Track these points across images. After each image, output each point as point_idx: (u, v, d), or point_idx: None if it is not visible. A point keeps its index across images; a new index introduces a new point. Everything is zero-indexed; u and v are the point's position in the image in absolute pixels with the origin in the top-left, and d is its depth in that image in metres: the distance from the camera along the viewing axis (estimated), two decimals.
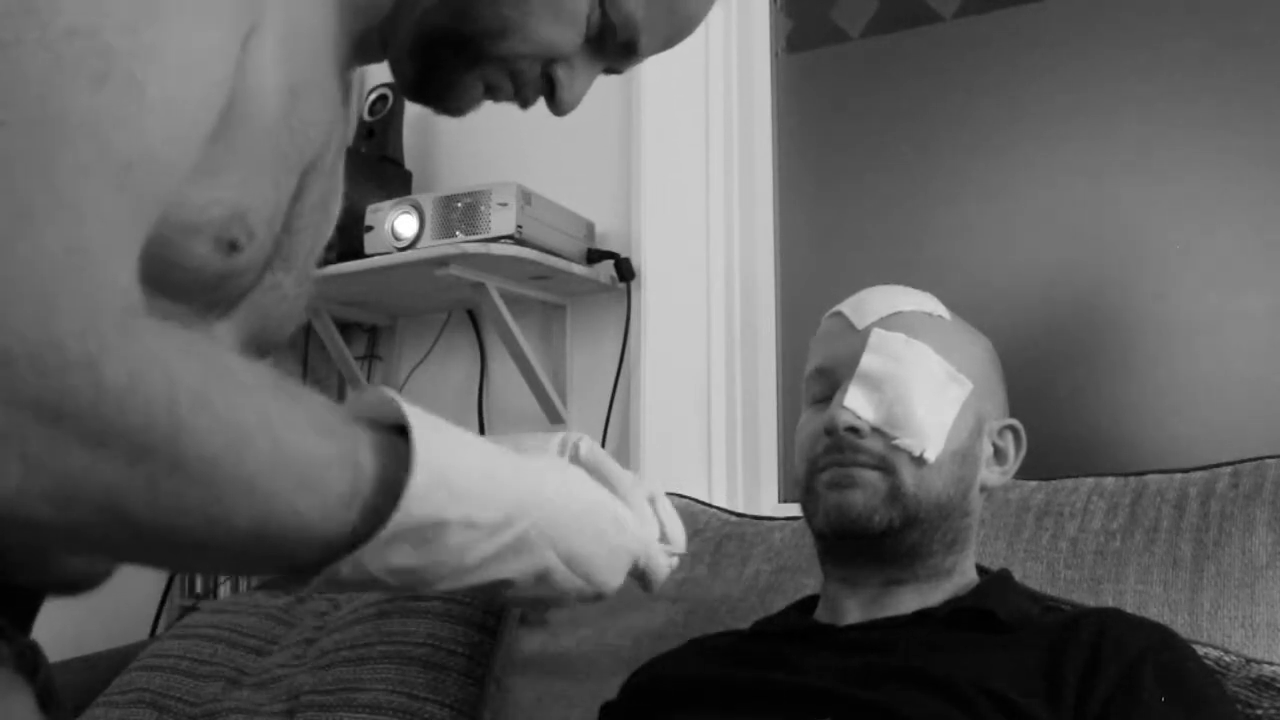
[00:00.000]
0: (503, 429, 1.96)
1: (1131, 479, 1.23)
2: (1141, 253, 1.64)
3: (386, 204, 1.77)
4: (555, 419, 1.85)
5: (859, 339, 1.02)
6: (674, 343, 1.82)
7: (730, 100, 1.89)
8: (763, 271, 1.89)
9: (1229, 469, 1.18)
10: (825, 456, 1.01)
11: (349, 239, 1.76)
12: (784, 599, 1.21)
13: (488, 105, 0.80)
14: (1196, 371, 1.58)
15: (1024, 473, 1.10)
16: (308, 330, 2.01)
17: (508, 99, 0.78)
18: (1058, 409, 1.62)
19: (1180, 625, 1.05)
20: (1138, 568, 1.13)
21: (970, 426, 1.02)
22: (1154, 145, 1.65)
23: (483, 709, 1.40)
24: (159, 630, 2.05)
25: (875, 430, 0.99)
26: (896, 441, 0.98)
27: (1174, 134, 1.64)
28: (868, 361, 1.00)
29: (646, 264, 1.84)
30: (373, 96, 1.99)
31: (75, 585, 0.70)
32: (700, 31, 0.84)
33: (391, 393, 0.58)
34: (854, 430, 0.99)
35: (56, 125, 0.48)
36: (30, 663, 0.70)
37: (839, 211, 1.87)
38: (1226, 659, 1.00)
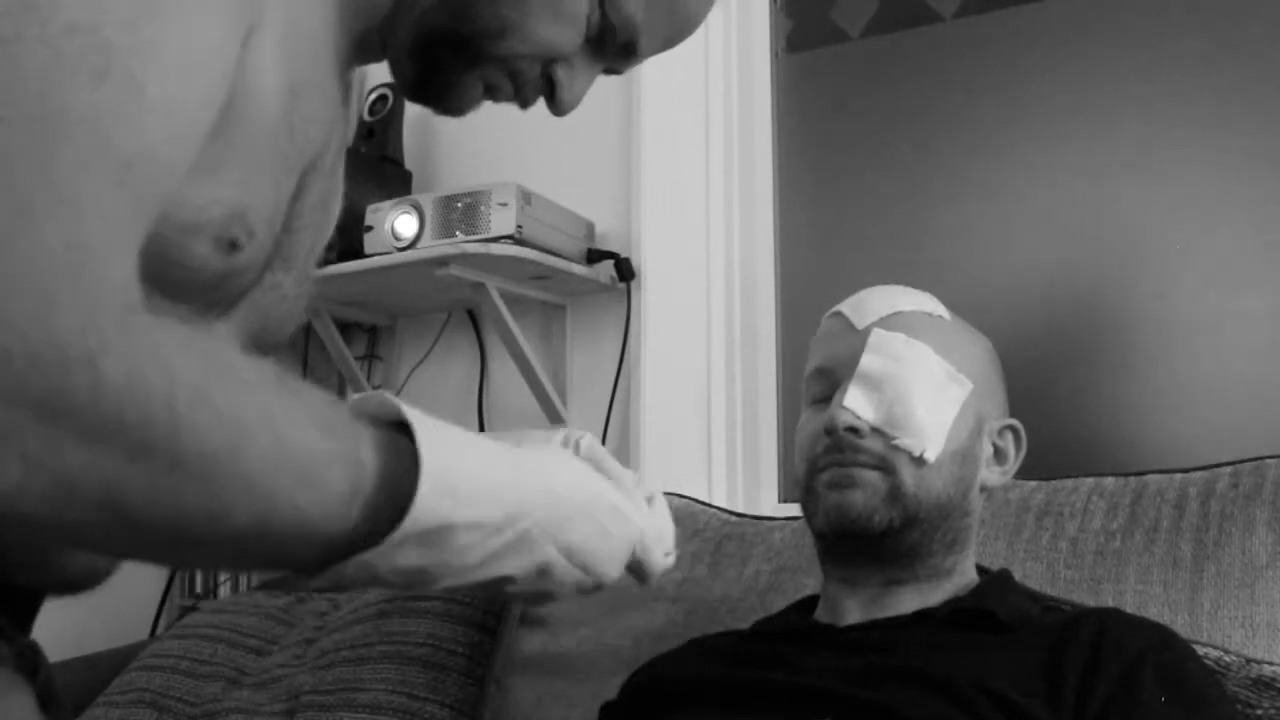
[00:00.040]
0: (503, 429, 1.96)
1: (1131, 479, 1.23)
2: (1141, 253, 1.64)
3: (386, 204, 1.77)
4: (555, 419, 1.85)
5: (859, 339, 1.02)
6: (674, 343, 1.82)
7: (730, 100, 1.89)
8: (763, 271, 1.89)
9: (1229, 469, 1.18)
10: (825, 456, 1.01)
11: (349, 239, 1.76)
12: (784, 599, 1.21)
13: (487, 105, 0.80)
14: (1196, 371, 1.58)
15: (1024, 473, 1.10)
16: (308, 330, 2.01)
17: (507, 99, 0.78)
18: (1058, 409, 1.62)
19: (1180, 625, 1.05)
20: (1138, 568, 1.13)
21: (970, 426, 1.02)
22: (1154, 145, 1.65)
23: (483, 709, 1.40)
24: (159, 630, 2.05)
25: (875, 430, 0.99)
26: (896, 441, 0.98)
27: (1174, 134, 1.64)
28: (867, 361, 1.00)
29: (646, 264, 1.84)
30: (373, 96, 1.99)
31: (75, 584, 0.70)
32: (700, 31, 0.84)
33: (391, 396, 0.58)
34: (854, 430, 0.99)
35: (56, 122, 0.48)
36: (30, 663, 0.70)
37: (839, 211, 1.87)
38: (1226, 659, 1.00)
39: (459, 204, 1.72)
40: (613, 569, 0.67)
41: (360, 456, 0.53)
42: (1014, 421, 1.08)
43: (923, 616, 0.98)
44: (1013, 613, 0.96)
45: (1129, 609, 1.02)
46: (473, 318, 2.03)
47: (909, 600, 1.01)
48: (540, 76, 0.77)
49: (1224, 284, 1.58)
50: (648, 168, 1.87)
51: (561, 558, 0.63)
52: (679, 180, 1.85)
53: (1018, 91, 1.75)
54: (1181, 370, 1.59)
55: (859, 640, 0.98)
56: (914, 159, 1.81)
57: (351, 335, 2.10)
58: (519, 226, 1.69)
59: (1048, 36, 1.74)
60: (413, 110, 1.98)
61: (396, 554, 0.55)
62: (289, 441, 0.51)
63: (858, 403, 0.99)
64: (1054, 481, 1.27)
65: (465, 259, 1.69)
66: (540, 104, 0.79)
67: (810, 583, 1.24)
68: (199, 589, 2.13)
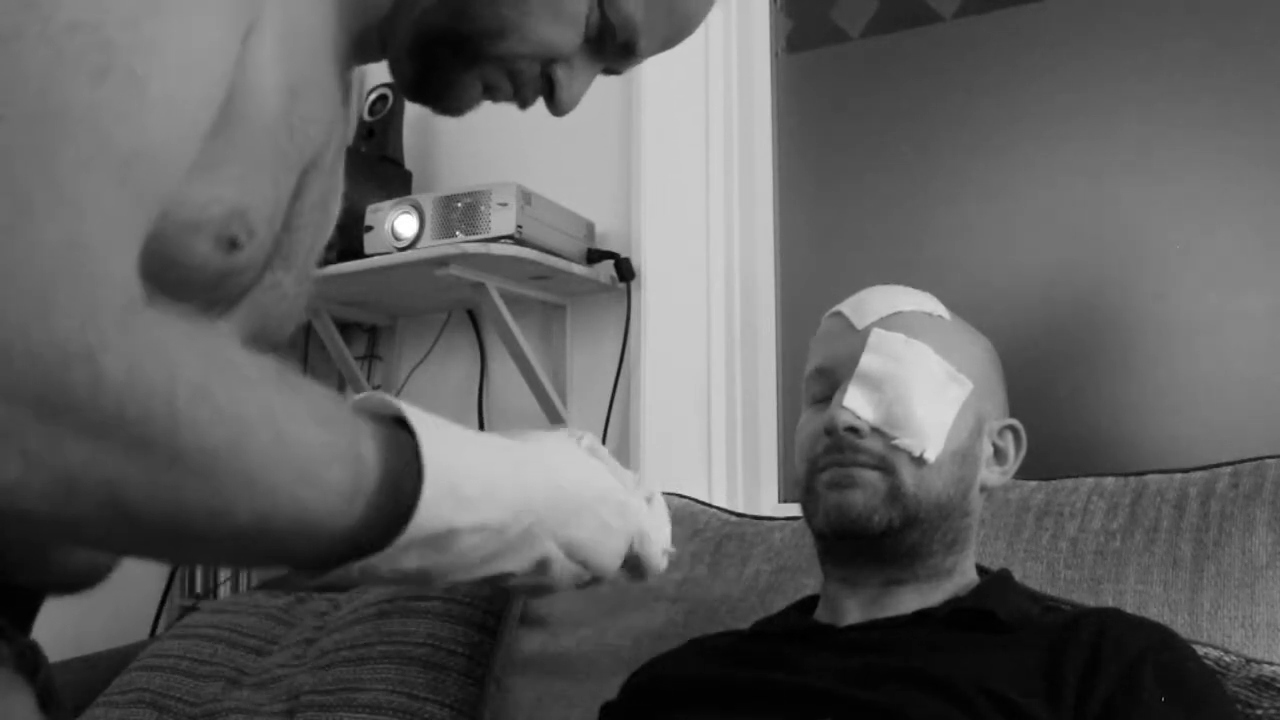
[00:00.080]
0: (503, 429, 1.94)
1: (1131, 479, 1.23)
2: (1141, 253, 1.64)
3: (386, 204, 1.77)
4: (555, 419, 1.85)
5: (859, 339, 1.02)
6: (674, 343, 1.82)
7: (730, 100, 1.89)
8: (763, 271, 1.89)
9: (1229, 469, 1.18)
10: (825, 456, 1.01)
11: (349, 239, 1.76)
12: (784, 599, 1.21)
13: (487, 105, 0.80)
14: (1196, 371, 1.58)
15: (1024, 473, 1.10)
16: (308, 330, 2.01)
17: (507, 99, 0.78)
18: (1058, 409, 1.62)
19: (1180, 625, 1.05)
20: (1138, 568, 1.13)
21: (970, 426, 1.02)
22: (1154, 145, 1.65)
23: (483, 709, 1.40)
24: (159, 630, 2.05)
25: (875, 430, 0.99)
26: (896, 441, 0.98)
27: (1174, 134, 1.64)
28: (867, 361, 1.00)
29: (646, 264, 1.84)
30: (373, 96, 1.99)
31: (75, 583, 0.70)
32: (700, 31, 0.84)
33: (390, 397, 0.58)
34: (854, 430, 0.99)
35: (57, 120, 0.48)
36: (30, 662, 0.70)
37: (839, 211, 1.87)
38: (1226, 659, 1.00)
39: (459, 204, 1.72)
40: (612, 564, 0.67)
41: (361, 453, 0.53)
42: (1014, 421, 1.08)
43: (923, 616, 0.98)
44: (1013, 613, 0.96)
45: (1129, 609, 1.02)
46: (473, 318, 2.03)
47: (909, 600, 1.01)
48: (539, 76, 0.77)
49: (1224, 284, 1.58)
50: (648, 168, 1.87)
51: (562, 553, 0.63)
52: (679, 180, 1.85)
53: (1018, 91, 1.75)
54: (1181, 370, 1.59)
55: (859, 640, 0.98)
56: (914, 159, 1.81)
57: (351, 335, 2.10)
58: (519, 226, 1.69)
59: (1048, 36, 1.74)
60: (413, 110, 1.98)
61: (401, 557, 0.55)
62: (290, 437, 0.51)
63: (857, 403, 0.99)
64: (1054, 481, 1.27)
65: (465, 259, 1.69)
66: (540, 104, 0.79)
67: (810, 583, 1.24)
68: (199, 589, 2.13)
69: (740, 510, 1.58)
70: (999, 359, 1.10)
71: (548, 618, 1.45)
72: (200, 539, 0.50)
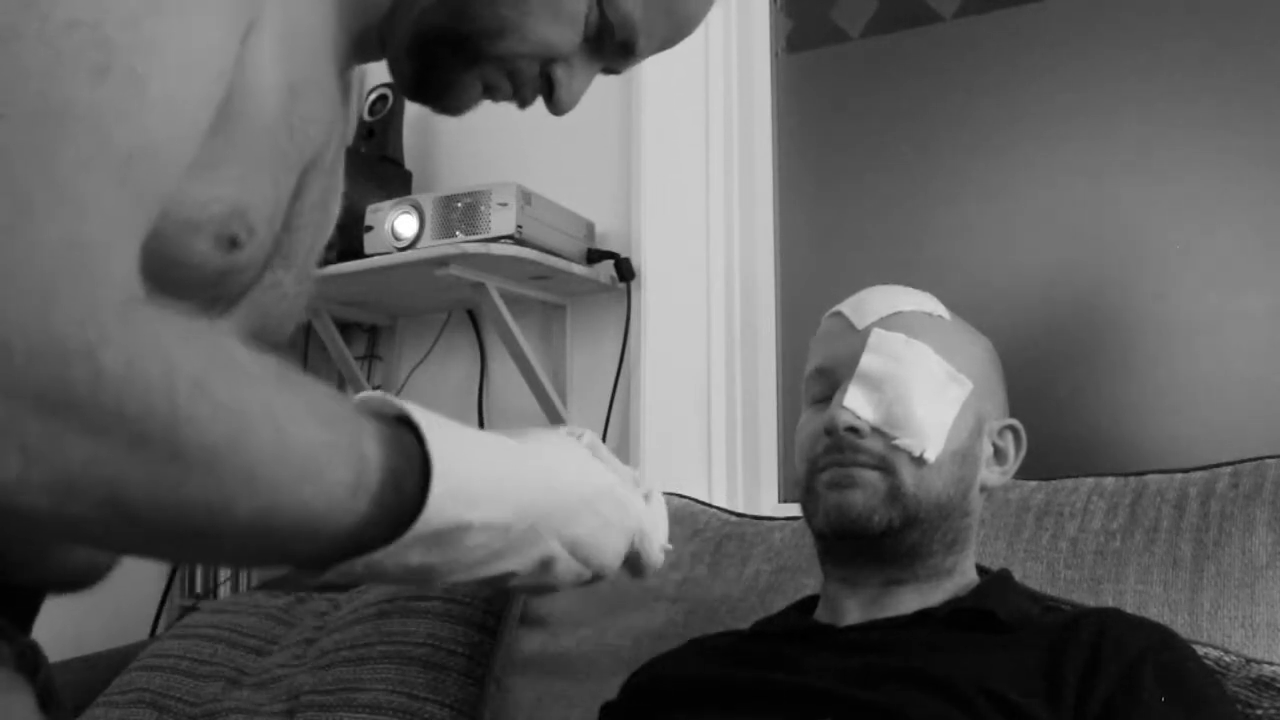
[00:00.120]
0: (502, 429, 1.95)
1: (1131, 479, 1.23)
2: (1141, 253, 1.64)
3: (386, 204, 1.77)
4: (555, 419, 1.85)
5: (859, 339, 1.02)
6: (674, 343, 1.82)
7: (730, 100, 1.89)
8: (763, 271, 1.89)
9: (1229, 469, 1.18)
10: (825, 456, 1.01)
11: (349, 239, 1.76)
12: (784, 599, 1.21)
13: (487, 105, 0.80)
14: (1196, 371, 1.58)
15: (1024, 473, 1.10)
16: (308, 330, 2.01)
17: (506, 98, 0.78)
18: (1058, 409, 1.62)
19: (1180, 625, 1.05)
20: (1138, 568, 1.13)
21: (970, 426, 1.02)
22: (1154, 145, 1.65)
23: (483, 709, 1.40)
24: (159, 630, 2.05)
25: (875, 430, 0.99)
26: (896, 441, 0.98)
27: (1174, 134, 1.64)
28: (867, 361, 1.00)
29: (646, 264, 1.84)
30: (373, 96, 1.99)
31: (75, 582, 0.70)
32: (700, 31, 0.84)
33: (390, 396, 0.58)
34: (854, 430, 0.99)
35: (57, 119, 0.48)
36: (31, 662, 0.70)
37: (839, 211, 1.87)
38: (1226, 659, 1.00)
39: (459, 204, 1.72)
40: (613, 562, 0.67)
41: (364, 451, 0.53)
42: (1014, 421, 1.08)
43: (923, 617, 0.98)
44: (1013, 613, 0.96)
45: (1129, 609, 1.02)
46: (473, 318, 2.03)
47: (909, 600, 1.00)
48: (539, 76, 0.77)
49: (1224, 284, 1.58)
50: (648, 168, 1.87)
51: (564, 551, 0.63)
52: (679, 180, 1.85)
53: (1018, 91, 1.75)
54: (1181, 370, 1.59)
55: (859, 640, 0.98)
56: (914, 159, 1.81)
57: (351, 335, 2.10)
58: (519, 226, 1.69)
59: (1048, 36, 1.74)
60: (413, 110, 1.98)
61: (406, 554, 0.55)
62: (291, 434, 0.51)
63: (858, 403, 0.99)
64: (1054, 481, 1.27)
65: (465, 259, 1.69)
66: (540, 104, 0.79)
67: (810, 583, 1.24)
68: (199, 589, 2.13)
69: (740, 510, 1.58)
70: (999, 359, 1.10)
71: (548, 618, 1.45)
72: (200, 536, 0.50)
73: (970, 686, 0.86)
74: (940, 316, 1.05)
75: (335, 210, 0.80)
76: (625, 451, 1.82)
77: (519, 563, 0.61)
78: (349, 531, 0.53)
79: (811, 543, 1.08)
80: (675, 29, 0.80)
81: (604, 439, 1.85)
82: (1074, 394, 1.63)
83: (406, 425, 0.56)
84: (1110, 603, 1.10)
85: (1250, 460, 1.18)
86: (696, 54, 1.86)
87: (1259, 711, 0.96)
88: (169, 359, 0.47)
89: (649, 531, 0.70)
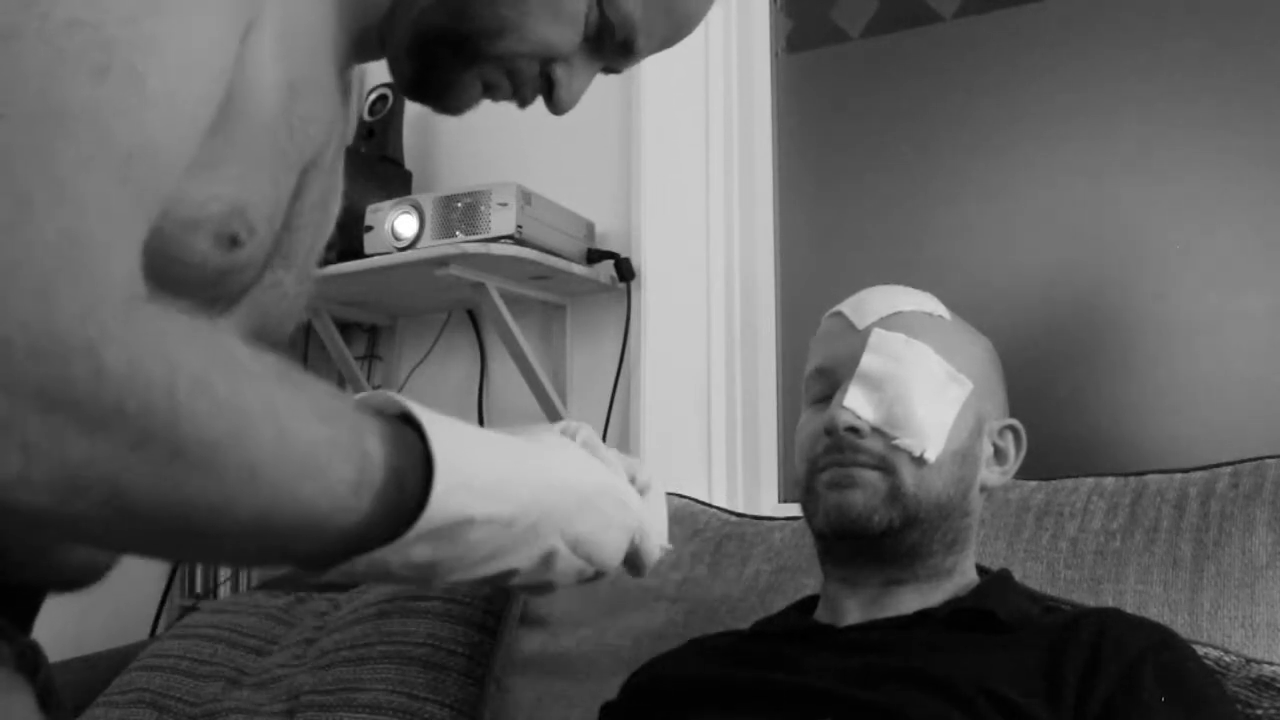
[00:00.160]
0: (502, 428, 1.95)
1: (1131, 479, 1.23)
2: (1141, 253, 1.64)
3: (386, 204, 1.77)
4: (555, 419, 1.85)
5: (859, 339, 1.02)
6: (674, 343, 1.82)
7: (730, 100, 1.89)
8: (763, 271, 1.89)
9: (1229, 469, 1.18)
10: (825, 456, 1.01)
11: (349, 239, 1.76)
12: (784, 599, 1.21)
13: (487, 105, 0.80)
14: (1196, 371, 1.58)
15: (1024, 473, 1.10)
16: (308, 330, 2.01)
17: (506, 98, 0.78)
18: (1058, 409, 1.62)
19: (1180, 625, 1.05)
20: (1138, 568, 1.13)
21: (970, 426, 1.02)
22: (1154, 145, 1.65)
23: (483, 709, 1.40)
24: (159, 630, 2.05)
25: (875, 430, 0.99)
26: (897, 441, 0.98)
27: (1174, 134, 1.64)
28: (868, 361, 1.00)
29: (646, 264, 1.84)
30: (373, 96, 1.99)
31: (76, 581, 0.70)
32: (700, 31, 0.84)
33: (395, 395, 0.58)
34: (854, 430, 0.99)
35: (57, 118, 0.48)
36: (31, 662, 0.70)
37: (839, 211, 1.87)
38: (1226, 659, 1.00)
39: (459, 204, 1.72)
40: (614, 559, 0.67)
41: (366, 448, 0.53)
42: (1014, 421, 1.08)
43: (923, 617, 0.98)
44: (1013, 613, 0.96)
45: (1129, 609, 1.02)
46: (473, 318, 2.03)
47: (909, 600, 1.00)
48: (539, 75, 0.77)
49: (1224, 284, 1.58)
50: (648, 168, 1.87)
51: (566, 548, 0.63)
52: (679, 180, 1.85)
53: (1018, 91, 1.75)
54: (1181, 370, 1.59)
55: (859, 640, 0.97)
56: (914, 159, 1.81)
57: (351, 335, 2.10)
58: (519, 226, 1.69)
59: (1048, 36, 1.74)
60: (413, 110, 1.98)
61: (410, 550, 0.55)
62: (292, 432, 0.50)
63: (858, 403, 0.99)
64: (1054, 481, 1.27)
65: (465, 259, 1.69)
66: (540, 103, 0.80)
67: (810, 583, 1.23)
68: (199, 589, 2.13)
69: (740, 510, 1.58)
70: (999, 359, 1.10)
71: (548, 618, 1.45)
72: (202, 535, 0.50)
73: (970, 686, 0.86)
74: (940, 316, 1.05)
75: (335, 210, 0.80)
76: (625, 451, 1.81)
77: (521, 560, 0.61)
78: (351, 530, 0.53)
79: (811, 543, 1.08)
80: (675, 28, 0.80)
81: (604, 439, 1.85)
82: (1074, 394, 1.63)
83: (409, 423, 0.56)
84: (1110, 603, 1.10)
85: (1250, 460, 1.18)
86: (696, 54, 1.86)
87: (1259, 711, 0.96)
88: (170, 357, 0.47)
89: (649, 530, 0.70)
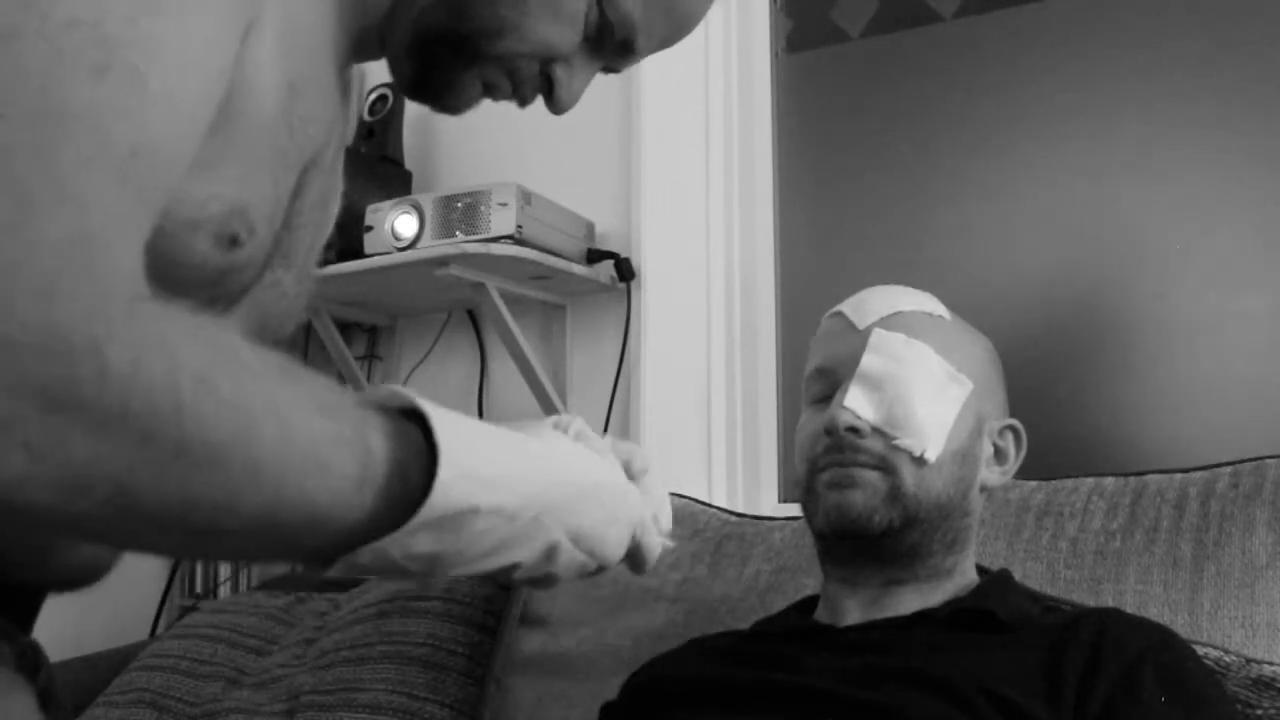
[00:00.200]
0: None
1: (1131, 479, 1.23)
2: (1141, 253, 1.64)
3: (386, 204, 1.77)
4: None
5: (859, 339, 1.02)
6: (674, 343, 1.82)
7: (730, 100, 1.89)
8: (763, 271, 1.89)
9: (1229, 469, 1.18)
10: (825, 456, 1.01)
11: (349, 239, 1.76)
12: (784, 599, 1.21)
13: (487, 105, 0.80)
14: (1196, 371, 1.58)
15: (1024, 473, 1.10)
16: (308, 330, 2.01)
17: (506, 98, 0.78)
18: (1058, 409, 1.62)
19: (1180, 625, 1.05)
20: (1138, 568, 1.13)
21: (970, 426, 1.02)
22: (1154, 145, 1.65)
23: (483, 709, 1.40)
24: (159, 630, 2.05)
25: (875, 430, 0.99)
26: (897, 441, 0.98)
27: (1174, 134, 1.64)
28: (868, 361, 1.00)
29: (646, 264, 1.84)
30: (373, 96, 1.99)
31: (76, 580, 0.70)
32: (700, 31, 0.84)
33: (399, 388, 0.58)
34: (854, 430, 0.99)
35: (57, 118, 0.48)
36: (31, 662, 0.70)
37: (839, 211, 1.87)
38: (1226, 659, 1.00)
39: (459, 204, 1.72)
40: (616, 552, 0.67)
41: (370, 444, 0.53)
42: (1014, 421, 1.08)
43: (923, 617, 0.98)
44: (1013, 613, 0.96)
45: (1129, 609, 1.02)
46: (473, 318, 2.03)
47: (909, 600, 1.00)
48: (539, 75, 0.77)
49: (1224, 284, 1.58)
50: (648, 168, 1.87)
51: (569, 542, 0.63)
52: (679, 180, 1.85)
53: (1018, 91, 1.75)
54: (1181, 370, 1.59)
55: (859, 641, 0.97)
56: (914, 159, 1.81)
57: (351, 335, 2.10)
58: (519, 226, 1.69)
59: (1048, 36, 1.74)
60: (413, 110, 1.98)
61: (413, 540, 0.55)
62: (295, 429, 0.51)
63: (858, 403, 0.99)
64: (1054, 481, 1.26)
65: (465, 259, 1.69)
66: (540, 104, 0.80)
67: (810, 583, 1.23)
68: (199, 589, 2.13)
69: (740, 510, 1.58)
70: (999, 359, 1.10)
71: (548, 618, 1.45)
72: (205, 532, 0.50)
73: (970, 686, 0.86)
74: (940, 316, 1.05)
75: (335, 209, 0.80)
76: None
77: (524, 553, 0.61)
78: (355, 525, 0.53)
79: (811, 543, 1.08)
80: (675, 28, 0.80)
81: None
82: (1074, 394, 1.63)
83: (413, 416, 0.56)
84: (1110, 603, 1.10)
85: (1250, 460, 1.18)
86: (696, 54, 1.86)
87: (1259, 711, 0.96)
88: (174, 356, 0.47)
89: (649, 523, 0.70)
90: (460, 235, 1.71)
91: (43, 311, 0.44)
